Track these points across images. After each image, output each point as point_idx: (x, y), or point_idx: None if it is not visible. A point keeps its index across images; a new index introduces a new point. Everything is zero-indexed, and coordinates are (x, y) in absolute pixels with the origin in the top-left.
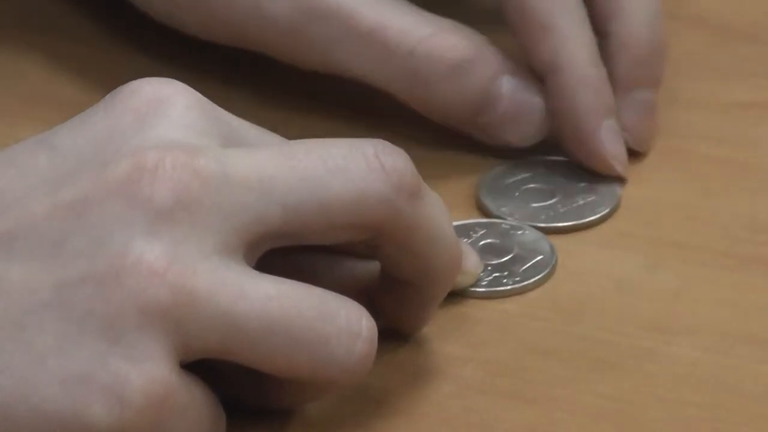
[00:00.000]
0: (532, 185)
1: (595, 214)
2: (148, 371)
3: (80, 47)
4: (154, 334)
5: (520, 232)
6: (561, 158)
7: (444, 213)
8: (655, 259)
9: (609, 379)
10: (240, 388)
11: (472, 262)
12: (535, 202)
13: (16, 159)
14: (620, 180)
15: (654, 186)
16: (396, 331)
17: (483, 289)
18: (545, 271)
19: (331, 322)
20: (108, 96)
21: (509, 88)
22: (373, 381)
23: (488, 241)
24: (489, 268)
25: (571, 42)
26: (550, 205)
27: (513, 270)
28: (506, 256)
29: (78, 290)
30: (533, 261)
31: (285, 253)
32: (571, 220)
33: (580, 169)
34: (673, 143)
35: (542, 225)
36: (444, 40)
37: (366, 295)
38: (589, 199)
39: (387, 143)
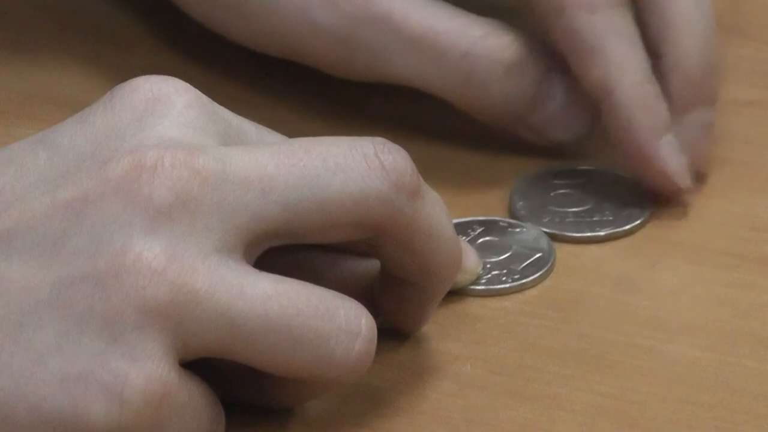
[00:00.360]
0: (566, 191)
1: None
2: (148, 370)
3: (79, 46)
4: (154, 332)
5: (518, 230)
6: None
7: (444, 211)
8: (654, 258)
9: (608, 378)
10: (239, 387)
11: (471, 260)
12: (562, 207)
13: (16, 157)
14: (685, 194)
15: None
16: (395, 330)
17: (482, 287)
18: (544, 269)
19: (330, 320)
20: (107, 94)
21: (561, 85)
22: (372, 379)
23: (487, 238)
24: (488, 266)
25: (622, 62)
26: (575, 212)
27: (512, 268)
28: (505, 254)
29: (77, 289)
30: (532, 259)
31: (285, 251)
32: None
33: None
34: None
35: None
36: (497, 40)
37: (367, 293)
38: (623, 212)
39: (387, 141)
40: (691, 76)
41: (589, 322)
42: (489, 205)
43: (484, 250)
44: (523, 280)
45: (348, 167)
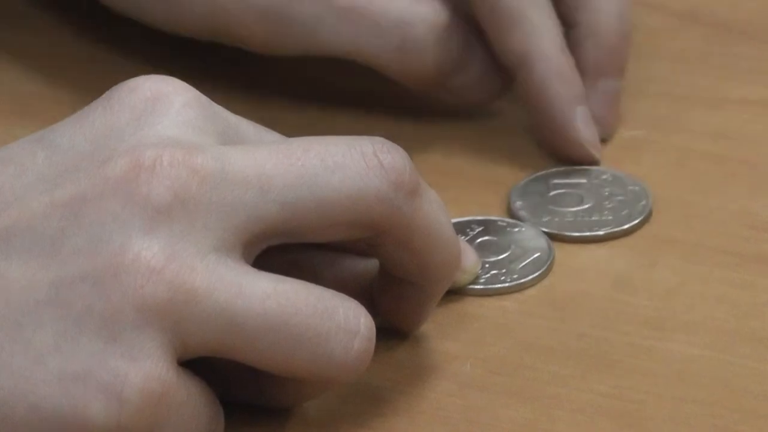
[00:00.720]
0: (565, 191)
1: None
2: (146, 369)
3: (79, 46)
4: (152, 331)
5: (516, 230)
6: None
7: (443, 211)
8: (652, 256)
9: (607, 377)
10: (238, 386)
11: (470, 260)
12: (561, 207)
13: (15, 157)
14: (596, 163)
15: (651, 183)
16: (394, 329)
17: (481, 287)
18: (543, 269)
19: (329, 319)
20: (106, 93)
21: (480, 48)
22: (371, 379)
23: (485, 238)
24: (486, 265)
25: (540, 33)
26: (574, 212)
27: (510, 267)
28: (504, 254)
29: (76, 288)
30: (531, 258)
31: (284, 250)
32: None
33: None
34: (669, 140)
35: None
36: (427, 6)
37: (366, 293)
38: (622, 212)
39: (385, 141)
40: (607, 44)
41: (588, 321)
42: (488, 205)
43: (482, 249)
44: (522, 280)
45: (346, 166)
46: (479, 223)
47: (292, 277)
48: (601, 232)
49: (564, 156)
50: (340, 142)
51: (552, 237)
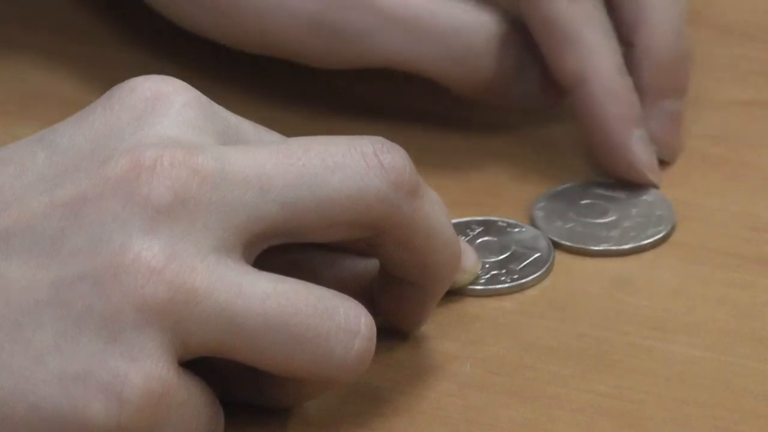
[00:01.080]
0: (595, 201)
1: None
2: (147, 369)
3: (79, 45)
4: (152, 332)
5: (516, 230)
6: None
7: (443, 211)
8: (653, 257)
9: (607, 377)
10: (238, 386)
11: (470, 260)
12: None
13: (15, 157)
14: (654, 187)
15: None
16: (395, 329)
17: (481, 287)
18: (543, 269)
19: (329, 319)
20: (106, 93)
21: (536, 56)
22: (371, 379)
23: (485, 238)
24: (487, 265)
25: (597, 52)
26: (599, 224)
27: (511, 268)
28: (504, 254)
29: (76, 288)
30: (531, 258)
31: (284, 250)
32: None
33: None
34: None
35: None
36: (479, 14)
37: (366, 293)
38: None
39: (385, 141)
40: (663, 65)
41: (588, 321)
42: (488, 205)
43: (482, 250)
44: (522, 280)
45: (347, 166)
46: (479, 223)
47: (292, 277)
48: (597, 247)
49: (621, 179)
50: (340, 142)
51: (553, 243)
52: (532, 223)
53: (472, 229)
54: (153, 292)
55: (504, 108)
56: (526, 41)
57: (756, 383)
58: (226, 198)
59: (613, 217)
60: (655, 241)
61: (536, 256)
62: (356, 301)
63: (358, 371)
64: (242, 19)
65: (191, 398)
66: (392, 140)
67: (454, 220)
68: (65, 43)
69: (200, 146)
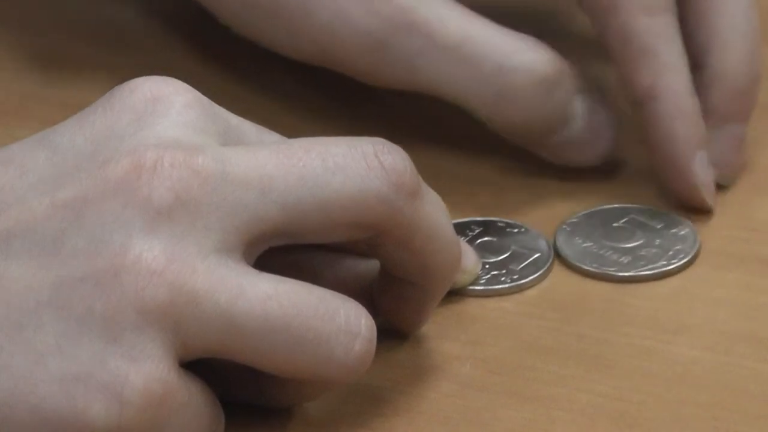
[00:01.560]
0: (629, 225)
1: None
2: (147, 370)
3: (80, 46)
4: (153, 333)
5: (516, 230)
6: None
7: (443, 211)
8: None
9: (607, 378)
10: (239, 387)
11: (471, 260)
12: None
13: (16, 157)
14: (709, 211)
15: (650, 185)
16: (395, 330)
17: (481, 288)
18: (543, 269)
19: (330, 320)
20: (107, 94)
21: (584, 107)
22: (371, 379)
23: (485, 239)
24: (487, 266)
25: (670, 70)
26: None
27: (511, 268)
28: (504, 254)
29: (77, 289)
30: (531, 259)
31: (285, 251)
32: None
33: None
34: None
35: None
36: (533, 55)
37: (366, 293)
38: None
39: (386, 142)
40: (733, 89)
41: (587, 322)
42: (488, 206)
43: (482, 250)
44: (522, 281)
45: (347, 167)
46: (479, 224)
47: (292, 278)
48: (591, 267)
49: (678, 197)
50: (340, 142)
51: (558, 257)
52: (555, 237)
53: (472, 230)
54: (154, 293)
55: (545, 158)
56: (575, 87)
57: (756, 384)
58: (227, 199)
59: (635, 243)
60: (656, 274)
61: (536, 256)
62: (357, 302)
63: (358, 372)
64: (314, 35)
65: (192, 399)
66: (393, 141)
67: (454, 221)
68: (65, 44)
69: (201, 147)
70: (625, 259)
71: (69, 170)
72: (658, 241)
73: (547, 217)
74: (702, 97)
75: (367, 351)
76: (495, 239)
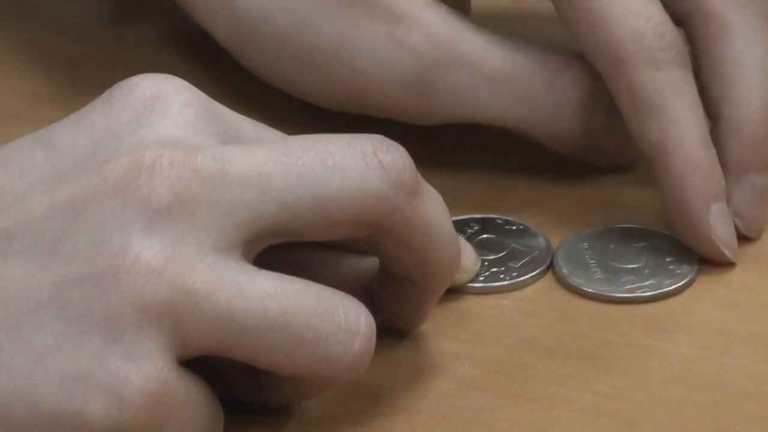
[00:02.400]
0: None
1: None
2: (147, 370)
3: (78, 45)
4: (153, 332)
5: (515, 228)
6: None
7: (443, 209)
8: None
9: (606, 377)
10: (238, 386)
11: (469, 258)
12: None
13: (15, 157)
14: (731, 264)
15: (647, 183)
16: (394, 328)
17: (480, 285)
18: (542, 267)
19: (329, 319)
20: (106, 93)
21: None
22: (370, 378)
23: (484, 236)
24: (486, 263)
25: (680, 124)
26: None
27: (510, 266)
28: (503, 252)
29: (77, 289)
30: (530, 257)
31: (285, 249)
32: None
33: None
34: None
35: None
36: (578, 71)
37: (366, 291)
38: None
39: (385, 139)
40: (751, 140)
41: (586, 321)
42: (487, 204)
43: (481, 248)
44: (521, 278)
45: (346, 165)
46: (478, 221)
47: (292, 276)
48: (574, 282)
49: (697, 252)
50: (339, 141)
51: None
52: (565, 248)
53: (471, 227)
54: (153, 292)
55: (594, 162)
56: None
57: (755, 384)
58: (227, 197)
59: (635, 265)
60: (632, 297)
61: (535, 254)
62: (356, 300)
63: (357, 370)
64: (342, 79)
65: (191, 398)
66: (392, 139)
67: (453, 218)
68: (64, 43)
69: (200, 146)
70: (615, 280)
71: (68, 170)
72: (653, 261)
73: (546, 215)
74: (720, 149)
75: (366, 349)
76: (494, 237)
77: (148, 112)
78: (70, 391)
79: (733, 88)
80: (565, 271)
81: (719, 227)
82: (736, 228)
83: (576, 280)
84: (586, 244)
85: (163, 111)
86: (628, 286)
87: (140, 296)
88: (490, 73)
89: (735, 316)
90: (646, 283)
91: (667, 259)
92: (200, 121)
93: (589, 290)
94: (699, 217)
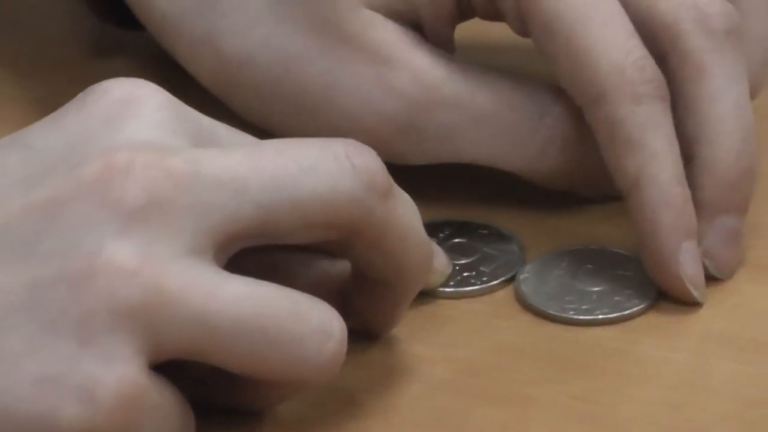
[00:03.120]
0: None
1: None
2: (120, 372)
3: (51, 48)
4: (126, 335)
5: (486, 232)
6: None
7: (414, 212)
8: None
9: (579, 379)
10: (211, 389)
11: (441, 261)
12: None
13: None
14: (697, 304)
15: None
16: (366, 332)
17: (452, 289)
18: (514, 271)
19: (302, 322)
20: (79, 96)
21: None
22: (343, 382)
23: (456, 240)
24: (457, 267)
25: (657, 159)
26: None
27: (482, 270)
28: (474, 256)
29: (50, 291)
30: (502, 260)
31: (258, 252)
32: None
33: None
34: None
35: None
36: (564, 107)
37: (338, 294)
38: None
39: (357, 143)
40: (725, 180)
41: (559, 323)
42: (459, 208)
43: (453, 252)
44: (493, 282)
45: (320, 168)
46: (450, 225)
47: (265, 280)
48: (533, 302)
49: (665, 289)
50: (313, 144)
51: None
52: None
53: (443, 231)
54: (127, 295)
55: (584, 195)
56: None
57: (727, 384)
58: (200, 200)
59: (599, 288)
60: (585, 320)
61: (507, 258)
62: (328, 304)
63: (330, 373)
64: (330, 121)
65: (164, 401)
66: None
67: (425, 222)
68: (37, 45)
69: (173, 149)
70: (577, 301)
71: (42, 172)
72: (625, 292)
73: (518, 219)
74: (693, 189)
75: (338, 351)
76: (466, 241)
77: (121, 115)
78: (43, 393)
79: (707, 127)
80: (523, 288)
81: (688, 266)
82: (705, 269)
83: (535, 299)
84: (563, 262)
85: (136, 114)
86: (584, 306)
87: (113, 299)
88: (476, 114)
89: (706, 316)
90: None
91: (628, 291)
92: (173, 124)
93: (549, 312)
94: (669, 253)
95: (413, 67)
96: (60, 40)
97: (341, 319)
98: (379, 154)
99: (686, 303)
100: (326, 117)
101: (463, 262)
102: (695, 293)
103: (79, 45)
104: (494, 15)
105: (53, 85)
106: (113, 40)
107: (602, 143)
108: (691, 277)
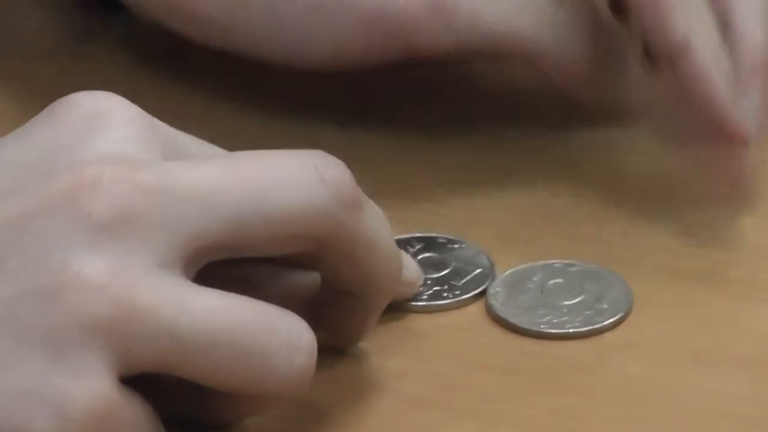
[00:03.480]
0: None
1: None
2: (90, 387)
3: (16, 60)
4: (96, 349)
5: (457, 246)
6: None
7: (384, 224)
8: None
9: (549, 394)
10: (180, 403)
11: (412, 272)
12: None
13: None
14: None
15: (591, 199)
16: (336, 345)
17: (423, 304)
18: (484, 285)
19: (272, 335)
20: (47, 109)
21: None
22: (313, 396)
23: (427, 255)
24: (428, 282)
25: (701, 19)
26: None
27: (452, 284)
28: (445, 270)
29: (19, 306)
30: (472, 274)
31: (227, 264)
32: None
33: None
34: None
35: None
36: None
37: (308, 306)
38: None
39: (326, 154)
40: (756, 44)
41: (530, 338)
42: (429, 222)
43: (424, 266)
44: (464, 296)
45: (289, 180)
46: (419, 240)
47: (234, 293)
48: (504, 315)
49: (719, 136)
50: (282, 156)
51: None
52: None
53: (413, 246)
54: (96, 309)
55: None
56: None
57: (697, 399)
58: (169, 214)
59: (573, 301)
60: (557, 333)
61: (477, 272)
62: (298, 317)
63: (300, 386)
64: (352, 17)
65: (134, 415)
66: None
67: (395, 237)
68: (4, 59)
69: (142, 162)
70: (548, 314)
71: (10, 187)
72: (597, 305)
73: (489, 234)
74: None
75: (308, 365)
76: (436, 255)
77: (89, 129)
78: (12, 408)
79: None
80: (494, 302)
81: (739, 110)
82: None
83: (506, 313)
84: (534, 276)
85: (104, 127)
86: (556, 320)
87: (83, 313)
88: None
89: (678, 332)
90: (577, 320)
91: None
92: (142, 138)
93: (517, 324)
94: (725, 98)
95: None
96: (29, 52)
97: (311, 331)
98: (408, 41)
99: (738, 145)
100: (349, 14)
101: (434, 276)
102: (750, 129)
103: (46, 57)
104: None
105: (21, 99)
106: (94, 33)
107: (640, 9)
108: (749, 113)
